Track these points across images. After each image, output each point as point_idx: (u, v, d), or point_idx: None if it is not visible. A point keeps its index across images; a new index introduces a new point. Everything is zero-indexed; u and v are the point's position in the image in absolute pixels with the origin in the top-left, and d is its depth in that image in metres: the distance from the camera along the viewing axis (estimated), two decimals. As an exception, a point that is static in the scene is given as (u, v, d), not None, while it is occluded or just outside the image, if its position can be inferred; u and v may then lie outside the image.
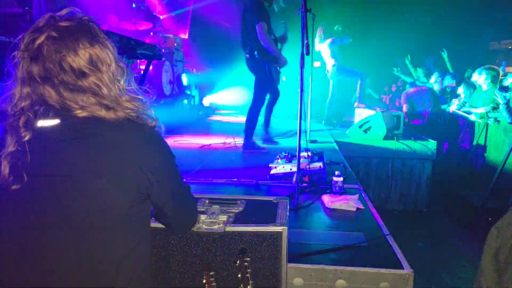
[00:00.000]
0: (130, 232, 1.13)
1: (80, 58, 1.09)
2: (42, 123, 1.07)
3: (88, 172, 1.06)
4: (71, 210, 1.05)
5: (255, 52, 4.14)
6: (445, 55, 7.88)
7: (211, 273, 1.37)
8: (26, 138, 1.05)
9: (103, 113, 1.10)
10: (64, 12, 1.14)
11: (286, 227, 1.48)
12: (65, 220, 1.05)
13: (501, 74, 6.16)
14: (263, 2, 4.15)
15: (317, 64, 7.11)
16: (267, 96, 4.46)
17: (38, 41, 1.07)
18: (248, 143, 4.28)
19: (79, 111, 1.08)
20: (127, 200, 1.09)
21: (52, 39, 1.08)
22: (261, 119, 4.60)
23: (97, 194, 1.05)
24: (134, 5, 7.99)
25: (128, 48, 4.43)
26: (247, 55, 4.27)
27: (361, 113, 6.13)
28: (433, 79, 7.57)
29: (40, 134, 1.06)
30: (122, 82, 1.18)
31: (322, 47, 6.82)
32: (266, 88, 4.31)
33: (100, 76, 1.12)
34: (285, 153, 3.54)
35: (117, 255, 1.10)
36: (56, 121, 1.08)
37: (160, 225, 1.37)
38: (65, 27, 1.10)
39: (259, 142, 4.57)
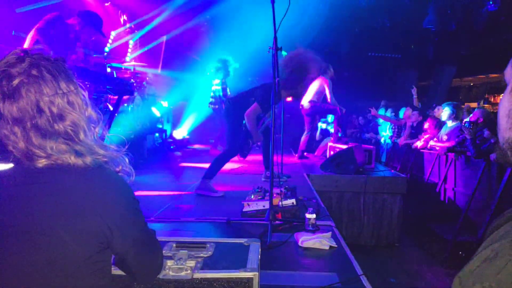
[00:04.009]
0: (88, 284, 1.04)
1: (59, 99, 1.03)
2: None
3: (42, 223, 0.98)
4: (23, 263, 0.96)
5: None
6: (412, 90, 8.33)
7: (177, 325, 1.28)
8: None
9: (71, 160, 1.02)
10: (35, 48, 1.08)
11: (257, 273, 1.41)
12: (16, 274, 0.96)
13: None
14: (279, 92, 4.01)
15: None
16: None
17: (17, 79, 0.99)
18: (204, 184, 3.99)
19: (42, 160, 1.00)
20: (84, 252, 1.01)
21: (33, 77, 1.00)
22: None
23: (51, 246, 0.97)
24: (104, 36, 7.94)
25: (98, 83, 4.37)
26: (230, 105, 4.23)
27: (334, 148, 6.21)
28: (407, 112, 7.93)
29: None
30: (97, 129, 1.13)
31: None
32: (237, 138, 4.17)
33: (77, 120, 1.06)
34: (258, 189, 3.49)
35: None
36: (12, 166, 1.00)
37: (123, 273, 1.28)
38: (45, 66, 1.03)
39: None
